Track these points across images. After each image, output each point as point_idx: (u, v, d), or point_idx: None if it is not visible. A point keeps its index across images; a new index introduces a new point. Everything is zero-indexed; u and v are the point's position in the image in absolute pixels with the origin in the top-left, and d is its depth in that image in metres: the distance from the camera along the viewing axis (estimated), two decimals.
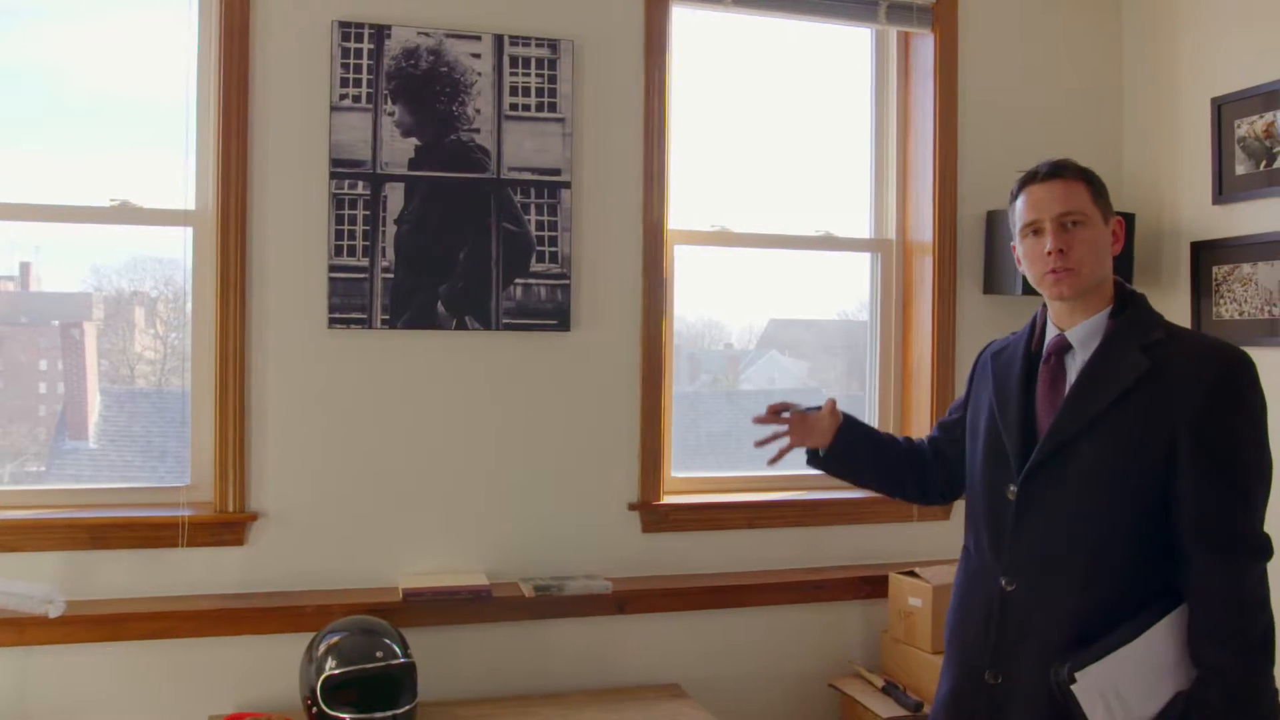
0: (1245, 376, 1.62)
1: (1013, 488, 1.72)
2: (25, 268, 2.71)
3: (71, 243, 2.67)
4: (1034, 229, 1.71)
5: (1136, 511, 1.63)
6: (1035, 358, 1.78)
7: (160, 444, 2.67)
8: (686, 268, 3.01)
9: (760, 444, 2.05)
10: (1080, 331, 1.71)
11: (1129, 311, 1.70)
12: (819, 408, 2.03)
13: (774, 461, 2.02)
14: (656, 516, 2.80)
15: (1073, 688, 1.58)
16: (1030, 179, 1.73)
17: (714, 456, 3.10)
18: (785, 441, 2.02)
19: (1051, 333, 1.76)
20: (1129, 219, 3.01)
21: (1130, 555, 1.63)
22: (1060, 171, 1.71)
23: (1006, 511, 1.73)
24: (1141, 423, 1.62)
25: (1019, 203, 1.75)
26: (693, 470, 3.03)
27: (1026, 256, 1.74)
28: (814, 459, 2.05)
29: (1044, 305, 1.81)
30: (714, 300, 3.20)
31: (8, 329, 2.71)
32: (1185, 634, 1.60)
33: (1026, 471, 1.70)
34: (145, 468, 2.67)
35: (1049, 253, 1.68)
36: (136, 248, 2.69)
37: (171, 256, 2.67)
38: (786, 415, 2.03)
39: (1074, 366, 1.72)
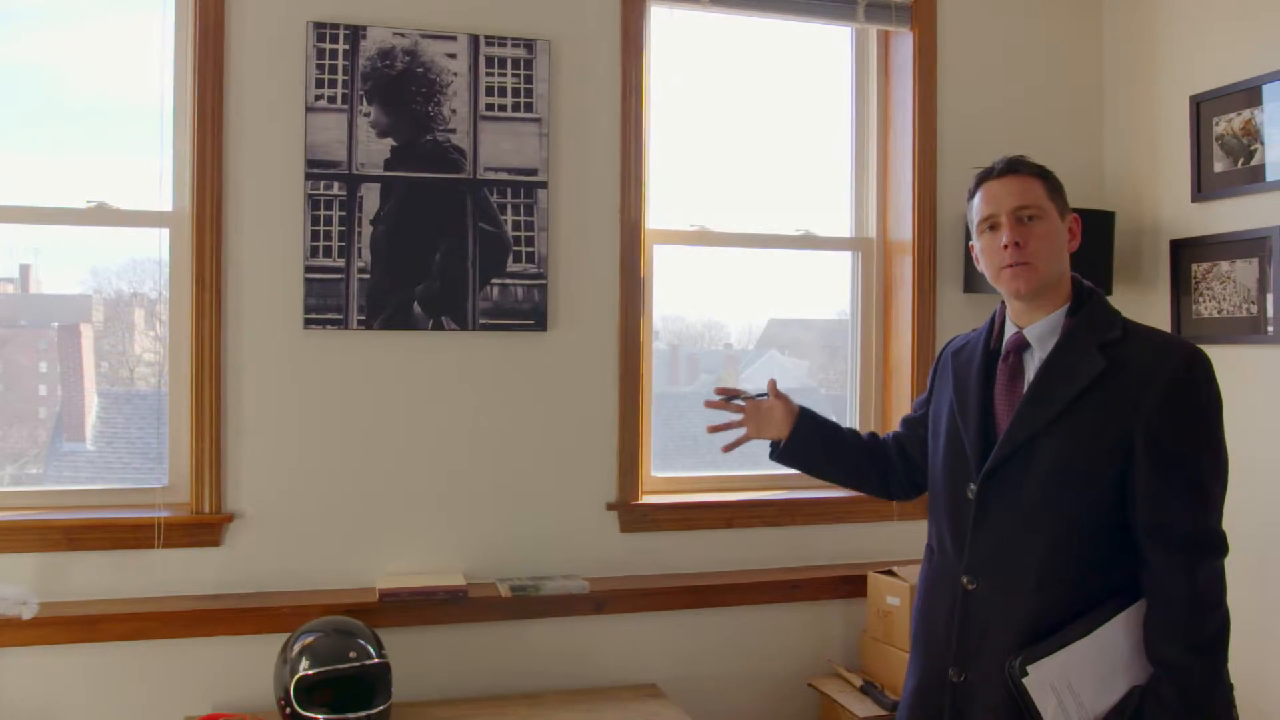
0: (1201, 374, 1.61)
1: (972, 487, 1.72)
2: (25, 270, 2.72)
3: (71, 245, 2.67)
4: (990, 224, 1.71)
5: (1094, 510, 1.63)
6: (994, 356, 1.77)
7: (158, 446, 2.66)
8: (683, 269, 3.02)
9: (714, 429, 2.06)
10: (1038, 329, 1.71)
11: (1086, 309, 1.70)
12: (767, 394, 2.04)
13: (729, 450, 2.04)
14: (634, 516, 2.80)
15: (1024, 681, 1.59)
16: (986, 175, 1.74)
17: (699, 456, 3.09)
18: (741, 431, 2.04)
19: (1010, 330, 1.76)
20: (1109, 217, 3.01)
21: (1088, 553, 1.64)
22: (1015, 167, 1.71)
23: (966, 511, 1.73)
24: (1099, 422, 1.62)
25: (976, 200, 1.75)
26: (678, 470, 3.02)
27: (984, 253, 1.74)
28: (775, 451, 2.05)
29: (1003, 303, 1.80)
30: (711, 300, 3.21)
31: (7, 331, 2.71)
32: (1141, 629, 1.61)
33: (985, 471, 1.70)
34: (143, 469, 2.66)
35: (1005, 246, 1.67)
36: (136, 250, 2.68)
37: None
38: (740, 403, 2.04)
39: (1032, 364, 1.71)
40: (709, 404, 2.06)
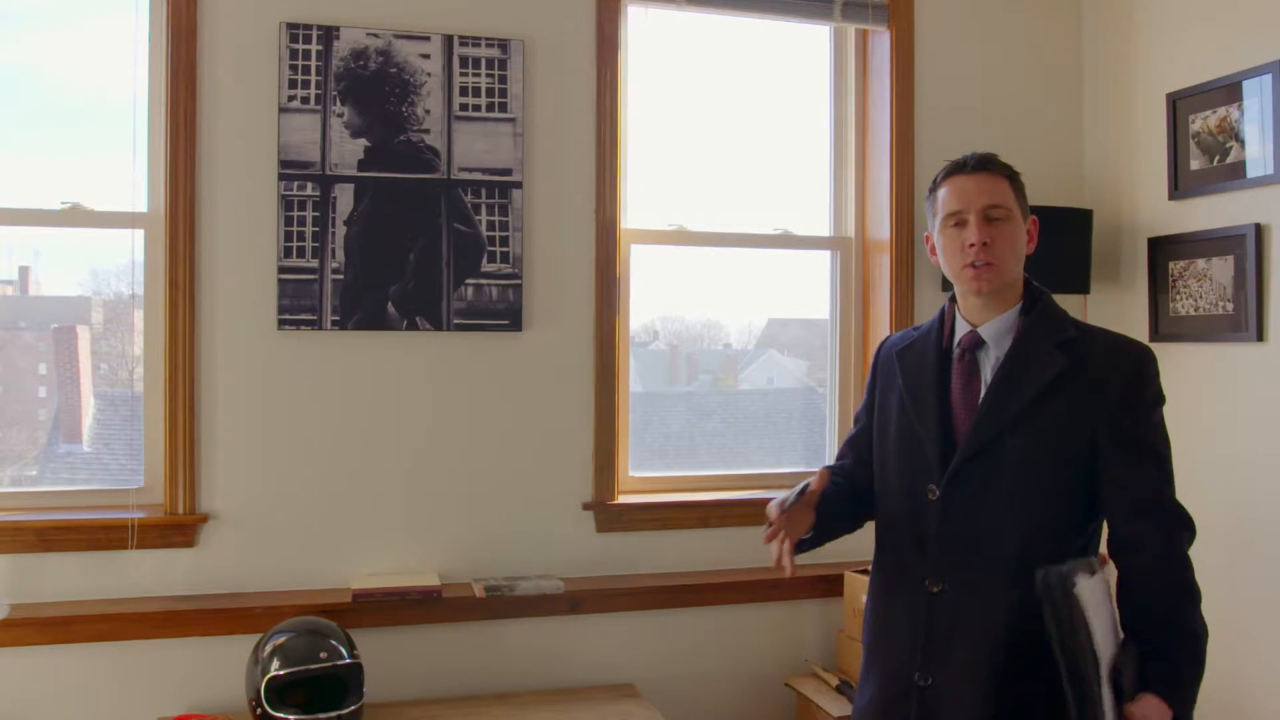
0: (1153, 368, 1.68)
1: (933, 487, 1.70)
2: (24, 272, 2.72)
3: (71, 247, 2.68)
4: (957, 220, 1.70)
5: (1062, 503, 1.64)
6: (947, 354, 1.76)
7: None
8: (680, 270, 3.04)
9: (780, 562, 1.73)
10: (993, 328, 1.71)
11: (1038, 309, 1.72)
12: (806, 488, 1.72)
13: (793, 571, 1.73)
14: (610, 516, 2.80)
15: (1076, 591, 1.48)
16: (957, 169, 1.72)
17: (680, 456, 3.09)
18: (787, 545, 1.72)
19: (963, 328, 1.75)
20: (1087, 215, 3.00)
21: (1059, 546, 1.64)
22: (987, 165, 1.71)
23: (928, 512, 1.70)
24: (1065, 417, 1.64)
25: (942, 193, 1.73)
26: (660, 470, 3.02)
27: (947, 249, 1.73)
28: (801, 546, 1.80)
29: (950, 300, 1.80)
30: (710, 301, 3.21)
31: (6, 334, 2.72)
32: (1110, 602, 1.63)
33: (951, 471, 1.68)
34: (139, 470, 2.66)
35: (971, 245, 1.67)
36: (135, 251, 2.66)
37: None
38: (780, 517, 1.72)
39: (987, 363, 1.72)
40: (769, 538, 1.71)
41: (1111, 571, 1.66)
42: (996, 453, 1.65)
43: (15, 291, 2.72)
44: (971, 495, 1.67)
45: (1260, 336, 2.62)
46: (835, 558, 2.91)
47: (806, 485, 1.73)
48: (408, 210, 2.65)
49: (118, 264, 2.71)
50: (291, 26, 2.59)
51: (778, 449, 3.17)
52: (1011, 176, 1.72)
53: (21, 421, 2.70)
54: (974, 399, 1.70)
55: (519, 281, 2.72)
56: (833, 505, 1.86)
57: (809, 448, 3.19)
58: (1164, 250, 2.90)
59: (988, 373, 1.71)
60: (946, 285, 3.04)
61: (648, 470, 3.00)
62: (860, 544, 2.92)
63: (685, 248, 3.04)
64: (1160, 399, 1.68)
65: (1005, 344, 1.70)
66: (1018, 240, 1.70)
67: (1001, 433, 1.65)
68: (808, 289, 3.24)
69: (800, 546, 1.81)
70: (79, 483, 2.65)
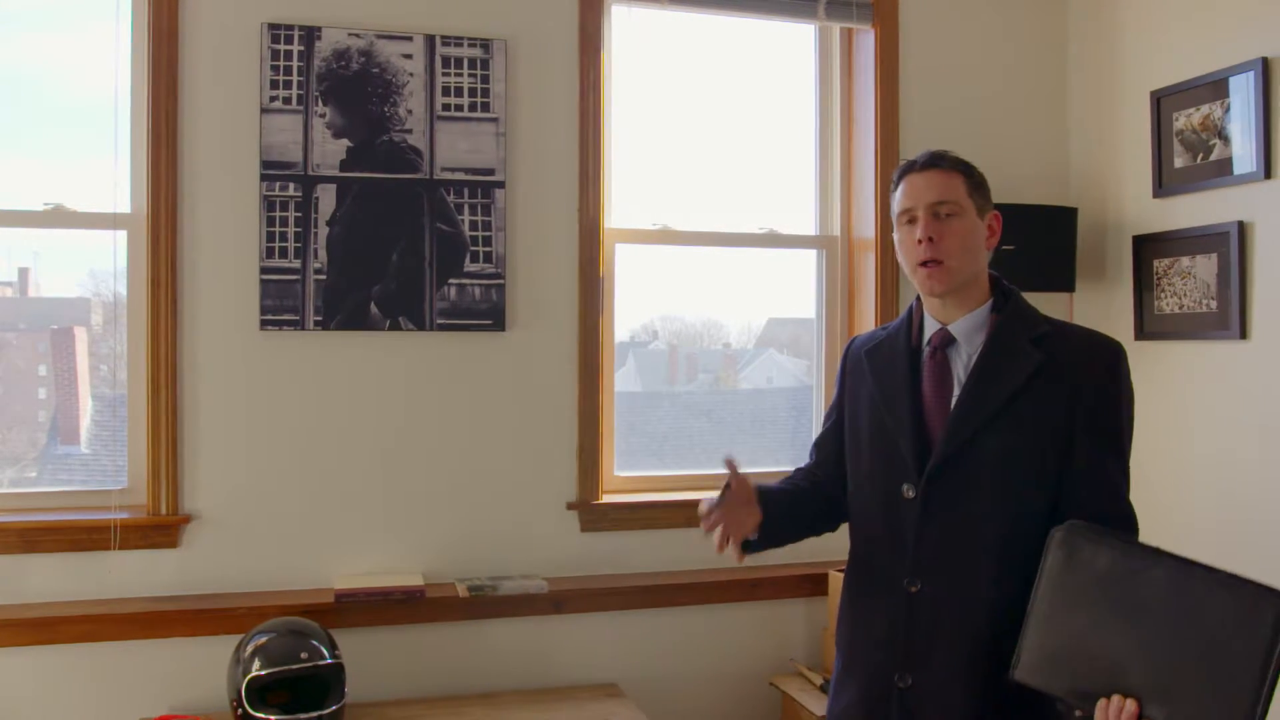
0: (1126, 365, 1.68)
1: (908, 487, 1.68)
2: (23, 273, 2.72)
3: (69, 248, 2.68)
4: (908, 218, 1.70)
5: (1040, 499, 1.63)
6: (916, 353, 1.75)
7: None
8: (679, 269, 3.05)
9: (722, 547, 1.74)
10: (964, 325, 1.70)
11: (1010, 306, 1.70)
12: (728, 486, 1.72)
13: (744, 558, 1.76)
14: (595, 516, 2.80)
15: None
16: (909, 168, 1.72)
17: (666, 455, 3.09)
18: (732, 540, 1.74)
19: (932, 326, 1.74)
20: (1072, 214, 3.00)
21: (1037, 541, 1.62)
22: (937, 161, 1.69)
23: (905, 511, 1.69)
24: (1042, 413, 1.63)
25: (898, 192, 1.73)
26: (654, 470, 3.02)
27: (901, 246, 1.73)
28: (748, 546, 1.78)
29: (918, 298, 1.79)
30: (710, 300, 3.21)
31: (6, 335, 2.72)
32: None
33: (929, 470, 1.66)
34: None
35: (920, 241, 1.66)
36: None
37: None
38: (716, 512, 1.72)
39: (958, 360, 1.70)
40: (709, 527, 1.73)
41: None
42: (974, 450, 1.64)
43: (14, 293, 2.72)
44: (950, 494, 1.66)
45: (1244, 334, 2.61)
46: (819, 557, 2.93)
47: (728, 485, 1.72)
48: (390, 210, 2.65)
49: (116, 266, 2.71)
50: (273, 27, 2.59)
51: (772, 448, 3.16)
52: (966, 172, 1.70)
53: (21, 423, 2.70)
54: (947, 397, 1.69)
55: (502, 281, 2.72)
56: (788, 508, 1.84)
57: (801, 446, 3.19)
58: (1148, 248, 2.90)
59: (959, 370, 1.69)
60: None
61: (641, 470, 3.00)
62: (843, 544, 2.93)
63: (676, 247, 3.04)
64: (1132, 395, 1.68)
65: (977, 341, 1.69)
66: (969, 236, 1.67)
67: (978, 430, 1.64)
68: (803, 288, 3.24)
69: (746, 548, 1.78)
70: (76, 484, 2.65)
